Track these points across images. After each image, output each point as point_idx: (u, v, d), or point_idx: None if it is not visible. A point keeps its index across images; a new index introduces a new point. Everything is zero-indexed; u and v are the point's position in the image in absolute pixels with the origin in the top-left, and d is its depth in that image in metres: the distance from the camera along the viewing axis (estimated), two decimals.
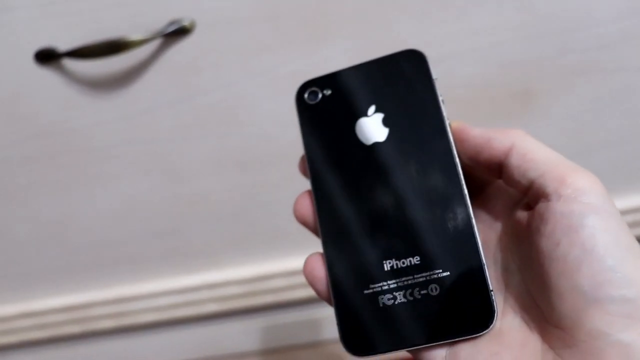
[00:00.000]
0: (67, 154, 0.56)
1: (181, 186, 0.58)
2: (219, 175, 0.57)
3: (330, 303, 0.31)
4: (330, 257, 0.31)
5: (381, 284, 0.29)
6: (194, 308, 0.64)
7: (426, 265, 0.28)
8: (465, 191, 0.29)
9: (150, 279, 0.63)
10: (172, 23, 0.49)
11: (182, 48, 0.50)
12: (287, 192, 0.58)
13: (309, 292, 0.62)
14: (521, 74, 0.53)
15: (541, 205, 0.26)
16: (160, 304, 0.64)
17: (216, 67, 0.52)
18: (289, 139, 0.55)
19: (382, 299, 0.29)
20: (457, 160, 0.29)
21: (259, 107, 0.54)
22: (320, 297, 0.32)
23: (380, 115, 0.31)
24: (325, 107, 0.33)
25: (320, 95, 0.33)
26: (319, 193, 0.32)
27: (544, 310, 0.26)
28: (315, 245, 0.60)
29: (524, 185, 0.27)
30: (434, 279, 0.28)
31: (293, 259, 0.62)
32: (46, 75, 0.51)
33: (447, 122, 0.30)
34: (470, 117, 0.51)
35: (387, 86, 0.32)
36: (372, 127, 0.31)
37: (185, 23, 0.49)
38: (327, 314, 0.65)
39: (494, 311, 0.27)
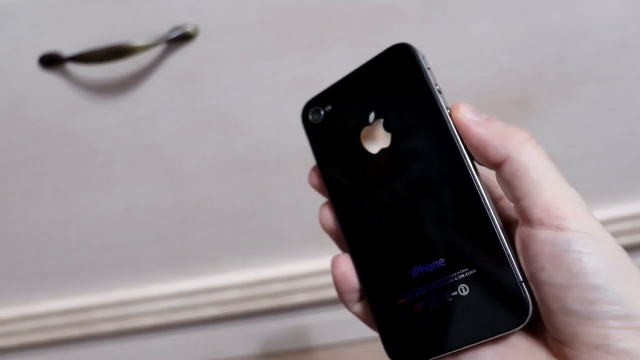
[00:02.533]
0: (69, 158, 0.56)
1: (182, 190, 0.58)
2: (220, 179, 0.58)
3: (348, 307, 0.32)
4: (361, 269, 0.31)
5: (412, 291, 0.29)
6: (194, 312, 0.64)
7: (451, 266, 0.28)
8: (478, 182, 0.27)
9: (151, 282, 0.64)
10: (175, 29, 0.50)
11: (185, 54, 0.51)
12: (288, 197, 0.59)
13: (308, 297, 0.63)
14: (521, 81, 0.53)
15: (523, 230, 0.26)
16: (161, 307, 0.64)
17: (219, 73, 0.52)
18: (290, 144, 0.56)
19: (416, 306, 0.29)
20: (463, 150, 0.28)
21: (260, 112, 0.54)
22: (342, 300, 0.32)
23: (380, 121, 0.30)
24: (330, 123, 0.33)
25: (322, 113, 0.33)
26: (338, 209, 0.32)
27: (544, 323, 0.26)
28: (314, 250, 0.61)
29: (510, 198, 0.27)
30: (462, 278, 0.27)
31: (293, 263, 0.63)
32: (50, 79, 0.52)
33: (447, 113, 0.29)
34: None
35: (382, 88, 0.31)
36: (376, 135, 0.31)
37: (189, 29, 0.50)
38: (326, 319, 0.65)
39: (527, 303, 0.26)
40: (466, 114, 0.28)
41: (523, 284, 0.26)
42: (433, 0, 0.49)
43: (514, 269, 0.26)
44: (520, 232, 0.26)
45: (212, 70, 0.52)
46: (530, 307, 0.26)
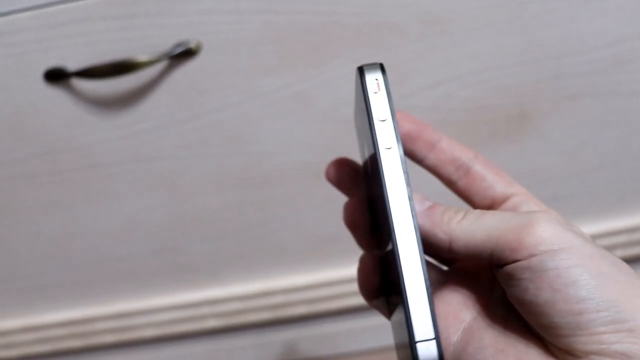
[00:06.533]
0: (73, 171, 0.57)
1: (184, 203, 0.59)
2: (221, 192, 0.58)
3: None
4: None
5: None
6: (195, 323, 0.64)
7: (397, 308, 0.28)
8: (394, 224, 0.26)
9: (152, 294, 0.64)
10: (178, 45, 0.50)
11: (188, 69, 0.51)
12: (288, 210, 0.60)
13: (309, 309, 0.63)
14: (517, 97, 0.54)
15: (505, 269, 0.26)
16: (162, 319, 0.64)
17: (221, 88, 0.53)
18: (290, 158, 0.56)
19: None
20: (387, 193, 0.26)
21: (262, 127, 0.55)
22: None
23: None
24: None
25: None
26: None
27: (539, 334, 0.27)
28: (314, 262, 0.61)
29: (481, 261, 0.28)
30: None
31: (293, 275, 0.63)
32: (55, 94, 0.52)
33: (378, 146, 0.27)
34: (468, 139, 0.52)
35: (362, 117, 0.30)
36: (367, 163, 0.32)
37: (192, 45, 0.50)
38: (327, 331, 0.66)
39: None
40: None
41: (417, 345, 0.25)
42: (432, 19, 0.50)
43: (411, 328, 0.25)
44: (501, 274, 0.27)
45: (214, 86, 0.53)
46: None
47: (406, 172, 0.27)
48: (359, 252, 0.35)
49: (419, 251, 0.26)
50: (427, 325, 0.25)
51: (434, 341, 0.25)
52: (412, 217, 0.26)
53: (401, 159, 0.27)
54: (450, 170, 0.32)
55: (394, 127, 0.27)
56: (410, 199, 0.26)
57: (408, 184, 0.27)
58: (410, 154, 0.32)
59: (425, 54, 0.52)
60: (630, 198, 0.60)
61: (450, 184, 0.33)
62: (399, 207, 0.26)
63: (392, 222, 0.26)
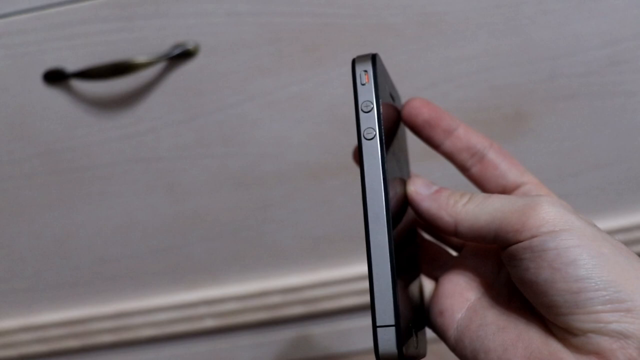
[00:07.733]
0: (71, 171, 0.57)
1: (182, 204, 0.59)
2: (218, 193, 0.58)
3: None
4: None
5: None
6: (192, 323, 0.65)
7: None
8: (368, 216, 0.27)
9: (150, 294, 0.64)
10: (177, 46, 0.51)
11: (186, 70, 0.52)
12: (285, 211, 0.60)
13: (306, 309, 0.63)
14: (513, 97, 0.55)
15: (509, 249, 0.27)
16: (159, 319, 0.64)
17: (219, 89, 0.53)
18: (287, 159, 0.57)
19: None
20: (365, 181, 0.28)
21: (259, 128, 0.55)
22: None
23: None
24: None
25: None
26: None
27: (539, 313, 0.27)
28: (311, 263, 0.61)
29: (486, 243, 0.29)
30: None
31: (290, 276, 0.63)
32: (54, 94, 0.53)
33: (362, 137, 0.28)
34: None
35: None
36: None
37: (190, 47, 0.51)
38: (323, 331, 0.66)
39: (377, 349, 0.26)
40: (418, 190, 0.30)
41: (377, 329, 0.26)
42: (428, 20, 0.51)
43: (374, 313, 0.26)
44: (505, 255, 0.27)
45: (212, 87, 0.53)
46: (380, 352, 0.26)
47: (385, 165, 0.28)
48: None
49: (389, 242, 0.27)
50: (389, 312, 0.26)
51: (393, 328, 0.26)
52: (386, 210, 0.27)
53: (381, 151, 0.28)
54: (465, 157, 0.33)
55: (377, 118, 0.28)
56: (387, 192, 0.27)
57: (386, 177, 0.28)
58: (427, 140, 0.33)
59: (421, 54, 0.52)
60: (626, 198, 0.60)
61: (464, 170, 0.33)
62: (374, 200, 0.27)
63: (367, 213, 0.27)
